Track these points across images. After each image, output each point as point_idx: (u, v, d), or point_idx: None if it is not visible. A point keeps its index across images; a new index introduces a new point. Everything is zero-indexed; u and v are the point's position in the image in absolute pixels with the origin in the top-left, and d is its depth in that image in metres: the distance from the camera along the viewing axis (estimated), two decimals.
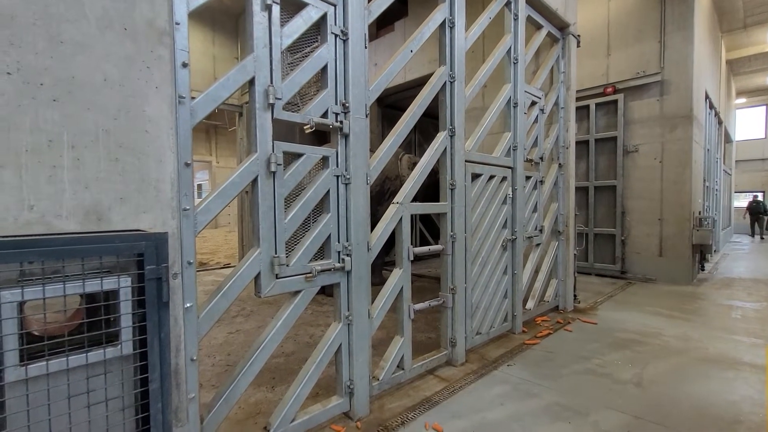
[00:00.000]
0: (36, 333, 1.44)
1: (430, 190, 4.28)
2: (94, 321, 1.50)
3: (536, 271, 5.23)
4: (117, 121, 1.71)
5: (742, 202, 20.03)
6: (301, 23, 2.51)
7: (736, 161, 18.25)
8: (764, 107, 19.42)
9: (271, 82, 2.35)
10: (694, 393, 3.22)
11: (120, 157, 1.72)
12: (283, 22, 2.44)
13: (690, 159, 7.42)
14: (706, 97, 9.03)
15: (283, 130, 2.57)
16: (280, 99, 2.39)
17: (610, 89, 8.19)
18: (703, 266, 8.59)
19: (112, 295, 1.52)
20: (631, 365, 3.75)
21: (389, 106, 10.45)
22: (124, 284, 1.53)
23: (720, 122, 11.77)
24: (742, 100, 19.15)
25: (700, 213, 8.15)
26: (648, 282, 7.68)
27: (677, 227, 7.55)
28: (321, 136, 3.03)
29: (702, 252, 8.22)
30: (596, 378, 3.49)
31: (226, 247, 13.64)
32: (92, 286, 1.46)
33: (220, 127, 20.39)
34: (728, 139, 14.97)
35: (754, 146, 19.51)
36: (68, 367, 1.43)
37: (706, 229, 7.59)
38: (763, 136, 19.45)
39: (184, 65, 1.96)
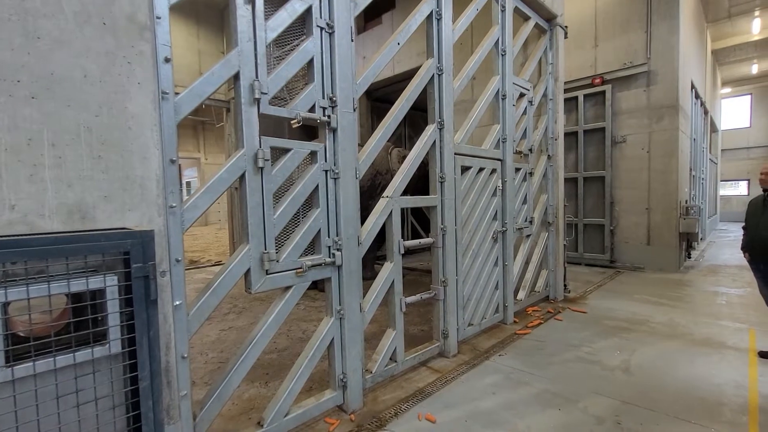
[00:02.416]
0: (21, 334, 1.43)
1: (420, 183, 4.28)
2: (81, 320, 1.49)
3: (527, 262, 5.29)
4: (99, 119, 1.68)
5: (728, 190, 20.42)
6: (285, 16, 2.49)
7: (722, 150, 18.52)
8: (749, 96, 19.71)
9: (257, 77, 2.32)
10: (680, 377, 3.30)
11: (103, 154, 1.70)
12: (268, 15, 2.40)
13: (676, 149, 7.52)
14: (692, 87, 9.13)
15: (272, 125, 2.55)
16: (266, 93, 2.36)
17: (598, 80, 8.24)
18: (689, 254, 8.75)
19: (99, 294, 1.51)
20: (619, 352, 3.83)
21: (378, 99, 10.41)
22: (110, 283, 1.51)
23: (706, 112, 11.92)
24: (727, 90, 19.42)
25: (686, 202, 8.29)
26: (636, 270, 7.81)
27: (664, 216, 7.67)
28: (311, 130, 3.01)
29: (689, 240, 8.37)
30: (586, 365, 3.56)
31: (217, 245, 13.54)
32: (78, 285, 1.45)
33: (208, 123, 20.13)
34: (714, 128, 15.19)
35: (739, 135, 19.83)
36: (56, 367, 1.42)
37: (693, 218, 7.72)
38: (748, 125, 19.76)
39: (167, 60, 1.93)
